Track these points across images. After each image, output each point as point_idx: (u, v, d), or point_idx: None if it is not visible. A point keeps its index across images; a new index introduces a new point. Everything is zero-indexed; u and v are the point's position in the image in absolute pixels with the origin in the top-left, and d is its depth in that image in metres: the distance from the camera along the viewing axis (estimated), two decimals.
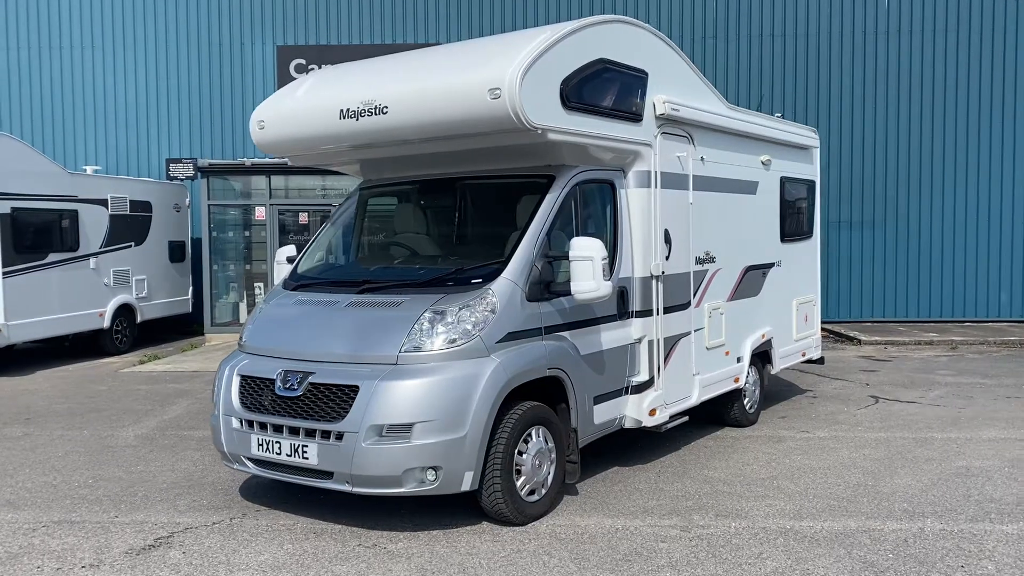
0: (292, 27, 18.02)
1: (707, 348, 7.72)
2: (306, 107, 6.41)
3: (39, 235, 13.16)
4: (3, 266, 12.38)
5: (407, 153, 6.36)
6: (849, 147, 17.69)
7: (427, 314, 5.45)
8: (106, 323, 14.53)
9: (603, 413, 6.47)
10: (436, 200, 6.91)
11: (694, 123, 7.37)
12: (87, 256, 14.14)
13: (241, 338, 6.30)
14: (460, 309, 5.48)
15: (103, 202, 14.61)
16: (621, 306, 6.61)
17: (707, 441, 8.06)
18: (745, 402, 8.62)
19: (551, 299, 5.91)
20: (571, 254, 5.74)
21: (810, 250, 10.04)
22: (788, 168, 9.34)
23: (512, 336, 5.60)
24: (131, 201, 15.35)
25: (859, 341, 15.48)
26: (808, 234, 9.98)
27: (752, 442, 8.04)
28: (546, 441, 5.83)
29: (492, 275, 5.67)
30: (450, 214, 6.83)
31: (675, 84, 7.18)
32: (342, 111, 6.10)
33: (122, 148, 18.21)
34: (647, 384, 6.86)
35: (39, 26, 18.24)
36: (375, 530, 5.55)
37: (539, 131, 5.60)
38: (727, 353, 8.10)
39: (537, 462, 5.71)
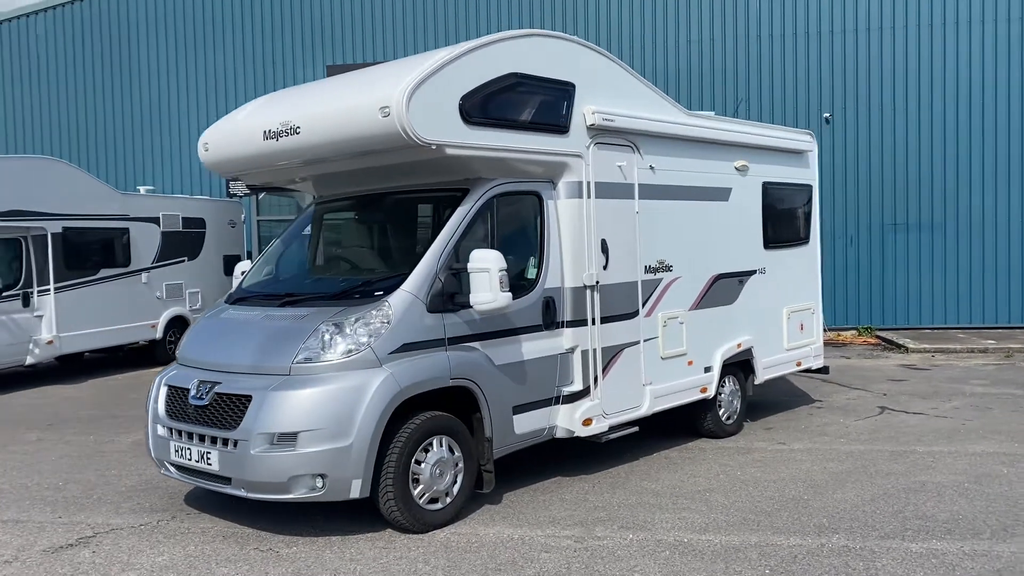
0: (340, 47, 18.65)
1: (662, 358, 7.64)
2: (240, 129, 6.73)
3: (90, 252, 14.06)
4: (54, 281, 13.28)
5: (328, 171, 6.60)
6: (904, 145, 17.01)
7: (322, 326, 5.65)
8: (159, 334, 15.35)
9: (527, 423, 6.51)
10: (369, 215, 7.12)
11: (638, 132, 7.34)
12: (138, 271, 14.99)
13: (176, 350, 6.66)
14: (355, 321, 5.65)
15: (155, 220, 15.46)
16: (547, 316, 6.65)
17: (671, 452, 7.96)
18: (721, 412, 8.46)
19: (457, 311, 6.01)
20: (468, 266, 5.84)
21: (806, 257, 9.76)
22: (773, 173, 9.12)
23: (409, 347, 5.74)
24: (184, 218, 16.17)
25: (907, 348, 14.85)
26: (803, 240, 9.71)
27: (717, 453, 7.90)
28: (451, 451, 5.93)
29: (392, 288, 5.83)
30: (380, 228, 7.05)
31: (613, 94, 7.16)
32: (265, 132, 6.39)
33: (186, 168, 19.24)
34: (581, 394, 6.86)
35: (110, 50, 19.52)
36: (281, 535, 5.77)
37: (433, 146, 5.74)
38: (690, 363, 7.98)
39: (438, 471, 5.82)
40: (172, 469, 6.12)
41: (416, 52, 18.02)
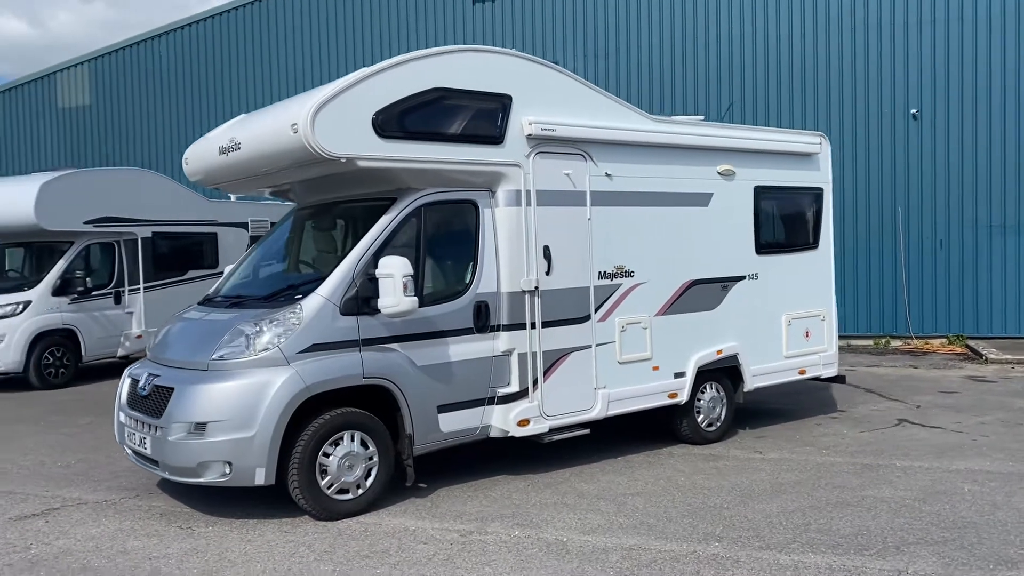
0: None
1: (620, 362, 7.73)
2: (209, 145, 7.38)
3: (178, 255, 15.39)
4: (144, 281, 14.64)
5: (277, 182, 7.15)
6: (1001, 141, 15.93)
7: (239, 326, 6.18)
8: None
9: (455, 422, 6.80)
10: (319, 222, 7.61)
11: (589, 140, 7.47)
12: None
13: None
14: (270, 322, 6.15)
15: (243, 224, 16.67)
16: (479, 320, 6.92)
17: (638, 456, 8.02)
18: (700, 419, 8.43)
19: (374, 314, 6.39)
20: (376, 272, 6.21)
21: (815, 262, 9.48)
22: (769, 176, 8.96)
23: (319, 347, 6.17)
24: (272, 223, 17.32)
25: (986, 359, 13.98)
26: (810, 245, 9.45)
27: (681, 459, 7.90)
28: (364, 445, 6.32)
29: (309, 291, 6.29)
30: (325, 235, 7.54)
31: (560, 105, 7.33)
32: (219, 148, 7.01)
33: None
34: (518, 395, 7.08)
35: (218, 64, 21.12)
36: (211, 515, 6.33)
37: (343, 159, 6.16)
38: (656, 368, 8.01)
39: (347, 464, 6.22)
40: (129, 452, 6.83)
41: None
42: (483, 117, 6.91)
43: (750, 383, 8.82)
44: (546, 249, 7.24)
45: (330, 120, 6.08)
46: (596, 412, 7.57)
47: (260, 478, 5.95)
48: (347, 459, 6.23)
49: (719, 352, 8.52)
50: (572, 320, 7.43)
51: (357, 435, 6.30)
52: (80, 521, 6.32)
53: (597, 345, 7.59)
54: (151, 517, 6.38)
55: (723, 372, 8.65)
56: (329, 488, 6.18)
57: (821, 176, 9.58)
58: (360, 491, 6.32)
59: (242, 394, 5.93)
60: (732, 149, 8.62)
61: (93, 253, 14.28)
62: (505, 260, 7.05)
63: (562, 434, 7.39)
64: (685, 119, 8.88)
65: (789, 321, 9.14)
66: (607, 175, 7.65)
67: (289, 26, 20.74)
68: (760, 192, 8.90)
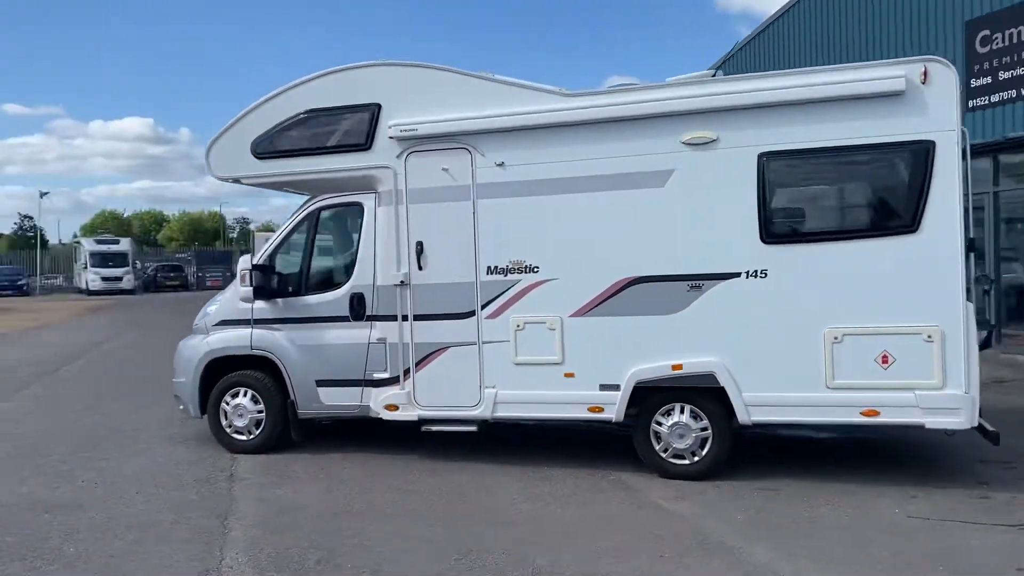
0: None
1: (516, 364, 7.26)
2: None
3: None
4: None
5: None
6: None
7: (207, 306, 8.58)
8: None
9: (334, 396, 7.84)
10: None
11: (471, 132, 7.26)
12: None
13: None
14: (212, 303, 8.44)
15: None
16: (355, 310, 7.73)
17: (579, 479, 7.12)
18: (658, 446, 7.04)
19: (267, 300, 7.99)
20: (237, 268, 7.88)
21: (914, 253, 6.35)
22: (792, 137, 6.55)
23: (225, 323, 8.20)
24: None
25: None
26: (903, 228, 6.36)
27: (595, 490, 6.80)
28: (254, 401, 8.07)
29: (230, 281, 8.32)
30: None
31: (436, 102, 7.36)
32: None
33: None
34: (389, 381, 7.63)
35: None
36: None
37: (229, 180, 8.02)
38: (569, 375, 7.14)
39: (238, 413, 8.10)
40: None
41: None
42: (352, 127, 7.62)
43: (748, 415, 6.75)
44: (419, 245, 7.48)
45: (220, 150, 8.01)
46: (480, 411, 7.37)
47: (191, 412, 8.36)
48: (237, 409, 8.12)
49: (676, 367, 6.88)
50: (451, 315, 7.42)
51: (249, 392, 8.10)
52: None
53: (485, 343, 7.34)
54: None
55: (703, 394, 6.90)
56: (229, 428, 8.19)
57: (926, 123, 6.33)
58: (251, 435, 8.12)
59: (184, 352, 8.45)
60: (713, 109, 6.72)
61: None
62: (381, 256, 7.65)
63: (441, 426, 7.52)
64: (681, 79, 7.10)
65: (837, 338, 6.52)
66: (499, 165, 7.24)
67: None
68: (770, 160, 6.62)
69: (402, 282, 7.54)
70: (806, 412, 6.67)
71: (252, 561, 5.41)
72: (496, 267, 7.32)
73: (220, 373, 8.27)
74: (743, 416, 6.75)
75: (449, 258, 7.44)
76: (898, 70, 6.36)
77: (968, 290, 6.67)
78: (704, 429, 6.94)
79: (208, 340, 8.31)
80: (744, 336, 6.72)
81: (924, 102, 6.34)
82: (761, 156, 6.64)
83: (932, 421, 6.38)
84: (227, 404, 8.23)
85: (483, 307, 7.36)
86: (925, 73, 6.31)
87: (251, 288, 7.83)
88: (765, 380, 6.70)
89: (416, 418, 7.60)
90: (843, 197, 6.66)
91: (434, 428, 7.57)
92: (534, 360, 7.23)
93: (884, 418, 6.48)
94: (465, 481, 7.14)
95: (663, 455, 7.05)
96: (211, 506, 6.59)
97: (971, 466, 7.20)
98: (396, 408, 7.63)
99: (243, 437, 8.22)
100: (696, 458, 6.98)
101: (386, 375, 7.68)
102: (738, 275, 6.72)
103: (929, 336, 6.34)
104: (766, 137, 6.63)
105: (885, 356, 6.43)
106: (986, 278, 7.67)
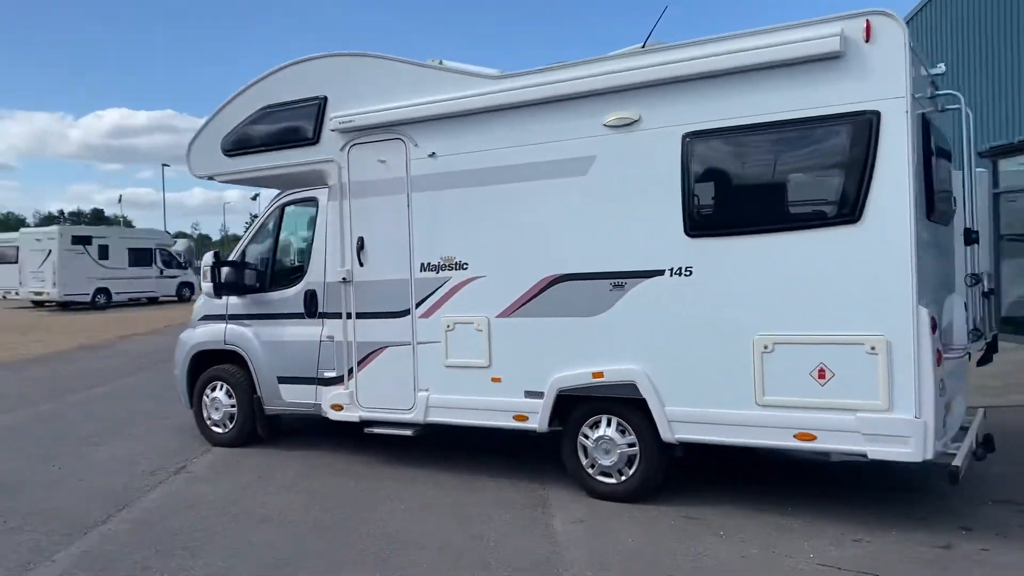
0: None
1: (447, 366, 6.83)
2: None
3: None
4: None
5: None
6: None
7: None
8: None
9: (293, 393, 7.77)
10: None
11: (404, 121, 6.91)
12: None
13: None
14: (200, 299, 8.63)
15: None
16: (309, 307, 7.61)
17: (512, 495, 6.79)
18: (584, 461, 6.38)
19: (238, 295, 8.06)
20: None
21: (856, 246, 5.29)
22: (717, 113, 5.67)
23: (206, 319, 8.36)
24: None
25: None
26: (842, 217, 5.32)
27: (510, 505, 6.32)
28: (228, 396, 8.16)
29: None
30: None
31: (375, 91, 7.06)
32: None
33: None
34: (336, 380, 7.45)
35: None
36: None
37: (206, 178, 8.16)
38: (496, 380, 6.61)
39: (214, 407, 8.23)
40: None
41: None
42: (302, 122, 7.47)
43: (671, 431, 5.94)
44: (360, 240, 7.24)
45: (198, 149, 8.14)
46: (416, 415, 7.01)
47: (184, 404, 8.61)
48: (215, 403, 8.25)
49: (597, 375, 6.18)
50: (389, 314, 7.12)
51: (225, 386, 8.21)
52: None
53: (419, 343, 6.97)
54: None
55: (628, 406, 6.15)
56: (208, 421, 8.34)
57: (869, 90, 5.24)
58: (225, 429, 8.22)
59: (179, 344, 8.70)
60: (634, 86, 5.97)
61: None
62: (330, 252, 7.47)
63: (381, 429, 7.23)
64: (610, 54, 6.31)
65: (768, 347, 5.59)
66: (431, 155, 6.84)
67: None
68: (694, 140, 5.77)
69: (344, 279, 7.33)
70: (734, 432, 5.74)
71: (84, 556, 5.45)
72: (429, 264, 6.93)
73: (206, 366, 8.47)
74: (666, 433, 5.94)
75: (387, 254, 7.14)
76: (833, 27, 5.31)
77: (976, 288, 5.54)
78: (632, 445, 6.18)
79: (194, 334, 8.53)
80: (668, 343, 5.92)
81: (866, 65, 5.25)
82: (685, 137, 5.80)
83: (875, 450, 5.29)
84: (207, 397, 8.40)
85: (417, 305, 7.00)
86: (868, 29, 5.23)
87: (211, 284, 7.93)
88: (690, 393, 5.86)
89: (358, 419, 7.36)
90: (775, 182, 5.63)
91: (376, 430, 7.30)
92: (463, 363, 6.78)
93: (820, 444, 5.45)
94: (374, 488, 6.81)
95: (589, 471, 6.36)
96: (118, 500, 6.65)
97: (977, 505, 5.91)
98: (341, 408, 7.44)
99: (219, 430, 8.35)
100: (623, 477, 6.23)
101: (334, 374, 7.51)
102: (662, 273, 5.92)
103: (872, 348, 5.25)
104: (689, 115, 5.79)
105: (822, 370, 5.41)
106: (985, 277, 6.26)
